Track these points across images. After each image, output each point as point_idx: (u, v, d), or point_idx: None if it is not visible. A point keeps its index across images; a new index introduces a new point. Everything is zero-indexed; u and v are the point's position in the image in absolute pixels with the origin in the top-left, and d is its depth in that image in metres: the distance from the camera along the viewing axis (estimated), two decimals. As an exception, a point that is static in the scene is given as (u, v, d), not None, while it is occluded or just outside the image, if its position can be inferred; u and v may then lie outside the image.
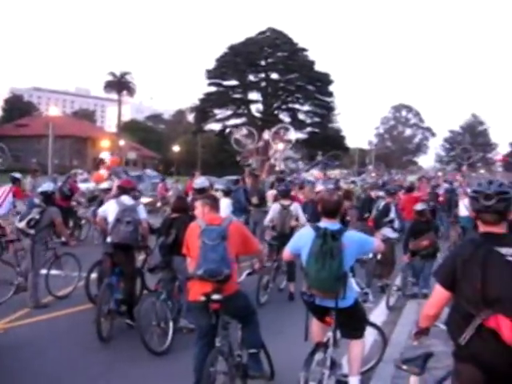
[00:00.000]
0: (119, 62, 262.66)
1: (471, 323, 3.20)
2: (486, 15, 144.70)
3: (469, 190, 16.63)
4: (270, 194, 14.28)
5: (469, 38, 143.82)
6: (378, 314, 8.61)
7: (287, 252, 5.25)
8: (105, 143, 45.22)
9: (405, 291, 9.58)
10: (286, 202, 9.89)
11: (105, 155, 16.00)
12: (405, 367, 3.79)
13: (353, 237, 5.00)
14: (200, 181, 10.02)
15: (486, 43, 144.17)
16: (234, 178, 25.40)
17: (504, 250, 3.23)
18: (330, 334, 5.05)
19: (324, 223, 5.02)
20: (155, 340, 6.64)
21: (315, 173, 30.87)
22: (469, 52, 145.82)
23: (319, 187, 16.15)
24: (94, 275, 8.42)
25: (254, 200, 13.58)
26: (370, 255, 6.52)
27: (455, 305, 3.41)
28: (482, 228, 3.41)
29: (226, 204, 9.91)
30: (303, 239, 4.99)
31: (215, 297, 4.84)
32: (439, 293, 3.45)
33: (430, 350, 6.21)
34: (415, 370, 3.71)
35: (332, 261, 4.68)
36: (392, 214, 10.31)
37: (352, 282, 5.11)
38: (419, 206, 10.09)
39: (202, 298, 4.86)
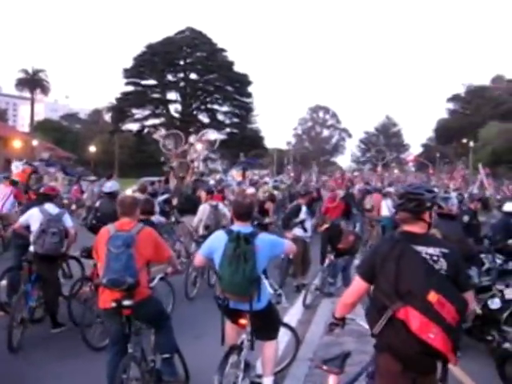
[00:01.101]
0: (32, 58, 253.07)
1: (385, 314, 3.38)
2: (399, 20, 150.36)
3: (388, 190, 17.23)
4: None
5: (382, 43, 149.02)
6: (293, 313, 8.76)
7: (199, 256, 5.23)
8: (17, 143, 43.39)
9: (323, 290, 9.84)
10: (213, 202, 10.32)
11: (15, 166, 15.44)
12: (325, 367, 3.93)
13: (265, 239, 5.04)
14: (109, 184, 9.90)
15: (398, 47, 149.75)
16: (153, 179, 25.06)
17: (419, 248, 3.46)
18: (244, 336, 5.09)
19: (237, 226, 5.05)
20: (97, 336, 6.65)
21: (234, 173, 30.86)
22: (383, 55, 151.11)
23: (250, 190, 16.37)
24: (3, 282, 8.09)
25: (175, 202, 13.55)
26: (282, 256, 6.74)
27: (373, 298, 3.61)
28: (403, 227, 3.65)
29: None
30: (216, 243, 4.99)
31: (126, 303, 4.76)
32: (358, 284, 3.68)
33: (345, 348, 6.41)
34: (335, 369, 3.85)
35: (245, 264, 4.72)
36: (302, 215, 10.49)
37: (266, 284, 5.15)
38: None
39: (113, 305, 4.77)
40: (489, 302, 6.94)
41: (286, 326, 6.34)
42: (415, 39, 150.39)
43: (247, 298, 4.82)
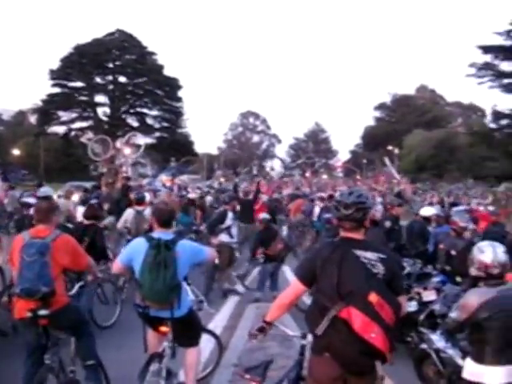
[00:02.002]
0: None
1: (327, 315, 3.45)
2: (327, 29, 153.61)
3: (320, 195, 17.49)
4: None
5: (312, 51, 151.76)
6: (219, 319, 8.73)
7: (118, 264, 5.07)
8: None
9: (243, 280, 10.60)
10: (140, 208, 10.34)
11: None
12: (247, 376, 3.93)
13: (186, 246, 4.99)
14: (44, 189, 9.83)
15: (327, 56, 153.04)
16: (81, 184, 24.46)
17: (359, 253, 3.58)
18: (165, 344, 5.03)
19: (157, 233, 4.98)
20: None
21: (164, 178, 30.56)
22: (313, 63, 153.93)
23: (192, 194, 16.37)
24: None
25: (106, 207, 13.35)
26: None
27: (314, 300, 3.70)
28: (343, 233, 3.74)
29: (81, 213, 9.93)
30: (135, 250, 4.89)
31: (42, 312, 4.60)
32: (296, 286, 3.75)
33: (269, 353, 6.44)
34: (257, 378, 3.86)
35: (166, 271, 4.65)
36: (228, 221, 10.53)
37: (187, 290, 5.12)
38: (263, 216, 10.78)
39: (28, 314, 4.60)
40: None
41: (210, 332, 6.32)
42: (343, 48, 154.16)
43: (168, 305, 4.75)
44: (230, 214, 10.75)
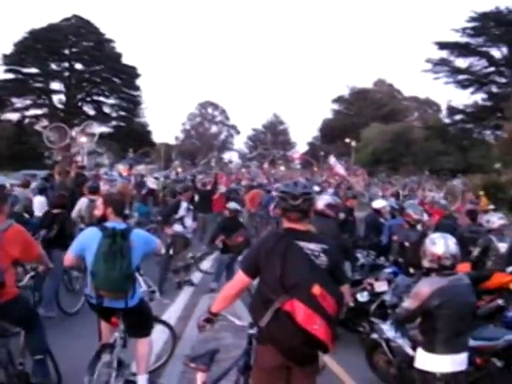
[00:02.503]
0: None
1: (270, 307, 3.46)
2: (286, 22, 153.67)
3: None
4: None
5: (271, 43, 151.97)
6: (173, 309, 8.72)
7: (70, 255, 5.00)
8: None
9: (198, 262, 10.86)
10: (93, 197, 10.22)
11: None
12: (192, 365, 3.92)
13: (140, 235, 5.01)
14: None
15: (287, 48, 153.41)
16: (35, 172, 23.96)
17: (302, 244, 3.61)
18: (116, 334, 4.99)
19: (111, 223, 4.94)
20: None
21: (120, 168, 30.11)
22: (272, 55, 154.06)
23: (152, 185, 16.29)
24: None
25: None
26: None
27: (258, 291, 3.68)
28: (287, 224, 3.76)
29: (39, 202, 9.73)
30: (88, 240, 4.85)
31: None
32: (241, 278, 3.76)
33: (223, 343, 6.46)
34: (202, 367, 3.85)
35: (122, 260, 4.66)
36: (182, 211, 10.47)
37: (140, 280, 5.10)
38: (232, 206, 10.78)
39: None
40: (358, 295, 7.29)
41: (164, 323, 6.31)
42: (303, 41, 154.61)
43: (123, 294, 4.75)
44: (184, 205, 10.64)
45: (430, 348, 4.22)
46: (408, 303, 4.47)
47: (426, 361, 4.23)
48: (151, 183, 18.26)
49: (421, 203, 14.00)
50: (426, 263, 4.45)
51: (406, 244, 7.61)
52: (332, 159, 24.67)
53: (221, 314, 4.03)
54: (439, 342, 4.18)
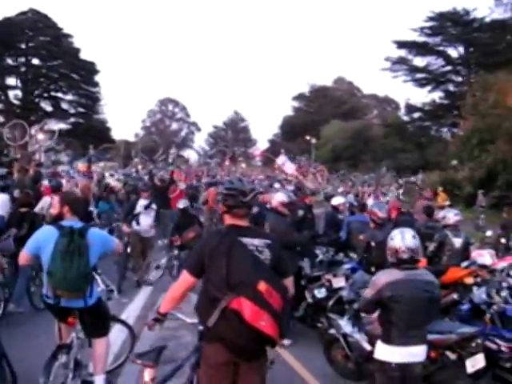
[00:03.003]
0: None
1: (218, 306, 3.46)
2: (247, 19, 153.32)
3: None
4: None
5: (232, 40, 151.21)
6: (132, 308, 8.66)
7: (25, 254, 4.88)
8: None
9: (171, 271, 10.47)
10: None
11: None
12: (139, 361, 3.90)
13: (96, 234, 4.98)
14: None
15: (248, 45, 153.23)
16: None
17: (246, 240, 3.64)
18: (73, 334, 4.94)
19: (68, 221, 4.88)
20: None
21: (79, 165, 29.69)
22: (233, 52, 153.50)
23: (113, 182, 16.12)
24: None
25: (16, 194, 12.87)
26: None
27: (204, 290, 3.68)
28: (230, 221, 3.79)
29: (2, 201, 9.58)
30: (44, 239, 4.77)
31: None
32: (185, 278, 3.74)
33: (182, 342, 6.44)
34: (149, 363, 3.83)
35: (80, 259, 4.63)
36: (139, 208, 10.43)
37: (97, 279, 5.05)
38: (181, 204, 10.79)
39: None
40: (315, 292, 7.37)
41: (122, 322, 6.26)
42: (264, 38, 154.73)
43: (81, 294, 4.72)
44: (142, 202, 10.56)
45: (387, 339, 4.36)
46: (366, 292, 4.63)
47: (384, 351, 4.37)
48: (112, 181, 18.07)
49: (377, 197, 14.21)
50: (389, 259, 4.59)
51: (373, 244, 7.64)
52: (281, 159, 24.59)
53: (170, 313, 4.04)
54: (395, 334, 4.32)
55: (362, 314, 4.94)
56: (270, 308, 3.45)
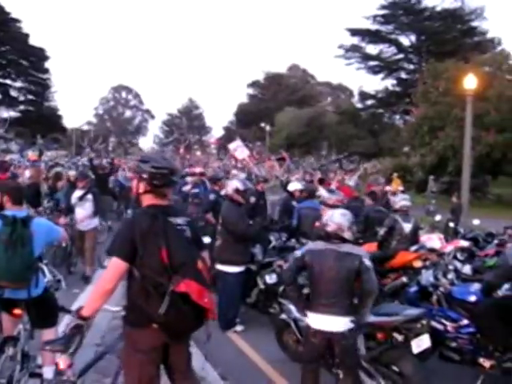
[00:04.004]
0: None
1: (165, 292, 3.34)
2: (202, 5, 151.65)
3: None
4: None
5: (186, 27, 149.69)
6: (83, 299, 8.51)
7: None
8: None
9: None
10: None
11: None
12: (48, 347, 3.76)
13: (41, 224, 4.90)
14: None
15: (201, 32, 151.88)
16: None
17: (173, 220, 3.56)
18: (20, 326, 4.85)
19: (11, 211, 4.78)
20: None
21: (30, 154, 29.08)
22: (187, 39, 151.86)
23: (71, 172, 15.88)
24: None
25: None
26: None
27: (140, 277, 3.44)
28: (152, 201, 3.59)
29: None
30: None
31: None
32: (118, 266, 3.43)
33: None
34: (59, 348, 3.60)
35: (23, 248, 4.55)
36: (73, 200, 10.06)
37: (44, 269, 4.96)
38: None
39: None
40: (266, 278, 7.42)
41: (70, 311, 6.15)
42: (218, 25, 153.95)
43: (25, 284, 4.61)
44: (76, 193, 10.03)
45: (310, 306, 4.71)
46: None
47: (308, 317, 4.72)
48: (60, 169, 17.73)
49: (328, 185, 14.33)
50: (320, 233, 4.94)
51: None
52: (233, 144, 24.41)
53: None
54: (312, 301, 4.70)
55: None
56: (207, 284, 3.49)
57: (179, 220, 3.60)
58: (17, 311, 4.75)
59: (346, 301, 4.62)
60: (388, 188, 16.42)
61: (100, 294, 3.48)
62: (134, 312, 3.51)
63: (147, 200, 3.61)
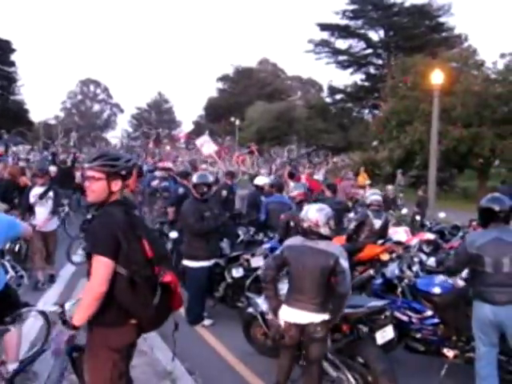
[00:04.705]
0: None
1: (156, 284, 3.40)
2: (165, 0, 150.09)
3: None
4: None
5: (155, 20, 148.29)
6: (50, 295, 8.46)
7: None
8: None
9: None
10: None
11: None
12: None
13: (2, 219, 4.80)
14: None
15: (170, 26, 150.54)
16: None
17: (135, 213, 3.66)
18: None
19: None
20: None
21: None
22: (156, 32, 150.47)
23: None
24: None
25: None
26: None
27: (129, 273, 3.34)
28: (117, 196, 3.52)
29: None
30: None
31: None
32: (108, 266, 3.29)
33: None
34: None
35: None
36: (32, 199, 9.11)
37: (6, 265, 4.89)
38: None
39: None
40: (233, 271, 7.42)
41: (39, 310, 6.08)
42: (187, 19, 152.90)
43: None
44: (35, 191, 9.16)
45: (286, 300, 4.80)
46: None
47: (283, 310, 4.78)
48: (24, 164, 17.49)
49: (298, 179, 14.42)
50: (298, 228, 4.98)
51: (292, 224, 7.77)
52: (201, 139, 24.30)
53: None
54: (288, 295, 4.79)
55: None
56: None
57: (137, 212, 3.59)
58: None
59: (319, 298, 4.65)
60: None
61: (93, 298, 3.30)
62: (110, 311, 3.37)
63: (115, 196, 3.51)
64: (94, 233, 3.42)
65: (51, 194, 9.17)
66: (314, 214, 4.78)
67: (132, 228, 3.40)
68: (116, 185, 3.48)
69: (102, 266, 3.28)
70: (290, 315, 4.72)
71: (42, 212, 9.03)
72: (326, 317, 4.62)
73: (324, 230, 4.75)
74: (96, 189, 3.45)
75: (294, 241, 4.87)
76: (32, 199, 9.05)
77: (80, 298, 3.47)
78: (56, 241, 9.52)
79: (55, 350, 3.59)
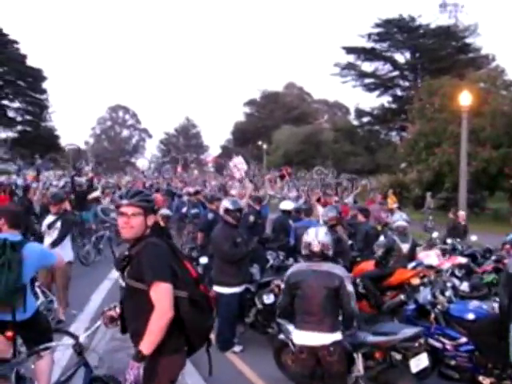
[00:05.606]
0: None
1: (208, 301, 3.66)
2: (200, 25, 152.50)
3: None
4: None
5: (183, 46, 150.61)
6: (82, 319, 8.47)
7: None
8: None
9: None
10: None
11: None
12: None
13: (34, 249, 4.95)
14: None
15: (199, 51, 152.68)
16: None
17: None
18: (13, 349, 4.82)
19: (4, 234, 4.81)
20: None
21: (29, 174, 29.20)
22: (184, 58, 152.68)
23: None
24: None
25: None
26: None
27: (189, 295, 3.49)
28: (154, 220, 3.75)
29: None
30: None
31: None
32: (169, 291, 3.37)
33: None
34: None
35: (10, 273, 4.58)
36: (43, 227, 8.65)
37: (37, 291, 4.96)
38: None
39: None
40: (264, 297, 7.38)
41: (69, 334, 6.11)
42: (214, 45, 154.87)
43: (9, 307, 4.63)
44: (47, 219, 8.61)
45: (295, 323, 4.90)
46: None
47: (293, 335, 4.96)
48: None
49: (324, 203, 14.36)
50: (302, 251, 5.10)
51: None
52: (233, 162, 24.18)
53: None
54: (297, 318, 4.87)
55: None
56: None
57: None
58: (9, 333, 4.74)
59: (328, 318, 4.73)
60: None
61: (163, 325, 3.35)
62: (172, 337, 3.43)
63: (148, 230, 3.64)
64: (150, 262, 3.44)
65: (59, 224, 8.46)
66: (323, 237, 4.98)
67: (175, 253, 3.60)
68: (150, 219, 3.62)
69: (165, 291, 3.37)
70: (300, 338, 4.81)
71: (48, 242, 8.31)
72: (337, 337, 4.69)
73: (331, 253, 4.95)
74: (135, 224, 3.54)
75: (299, 266, 5.10)
76: (43, 228, 8.63)
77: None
78: (65, 277, 8.27)
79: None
